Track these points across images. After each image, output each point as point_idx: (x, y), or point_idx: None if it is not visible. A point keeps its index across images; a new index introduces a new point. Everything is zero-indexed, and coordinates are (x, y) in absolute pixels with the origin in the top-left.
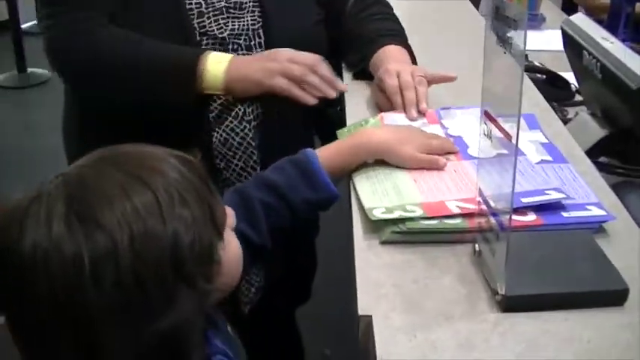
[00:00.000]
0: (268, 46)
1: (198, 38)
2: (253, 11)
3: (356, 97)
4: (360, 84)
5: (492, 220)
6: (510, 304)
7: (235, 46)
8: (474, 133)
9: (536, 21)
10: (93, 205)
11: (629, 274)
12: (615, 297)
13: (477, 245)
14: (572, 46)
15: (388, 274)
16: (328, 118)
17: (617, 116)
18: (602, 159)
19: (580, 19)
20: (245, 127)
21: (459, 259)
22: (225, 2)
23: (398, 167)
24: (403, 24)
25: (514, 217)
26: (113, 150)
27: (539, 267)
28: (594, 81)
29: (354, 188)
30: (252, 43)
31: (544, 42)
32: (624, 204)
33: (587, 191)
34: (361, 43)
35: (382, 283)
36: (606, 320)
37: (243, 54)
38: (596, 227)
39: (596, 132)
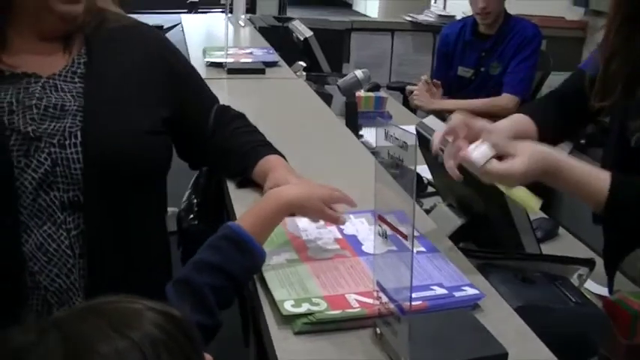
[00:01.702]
0: (84, 147)
1: (7, 133)
2: (75, 114)
3: (245, 205)
4: (245, 191)
5: (391, 305)
6: None
7: (47, 144)
8: (366, 233)
9: (383, 118)
10: None
11: (505, 340)
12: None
13: (377, 329)
14: (427, 144)
15: None
16: (187, 231)
17: (470, 205)
18: (461, 245)
19: (431, 120)
20: (62, 234)
21: (362, 342)
22: (45, 102)
23: (300, 261)
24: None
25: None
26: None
27: (433, 342)
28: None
29: (262, 280)
30: (67, 142)
31: None
32: (489, 282)
33: (459, 275)
34: (239, 154)
35: None
36: None
37: (56, 151)
38: (472, 305)
39: (454, 220)
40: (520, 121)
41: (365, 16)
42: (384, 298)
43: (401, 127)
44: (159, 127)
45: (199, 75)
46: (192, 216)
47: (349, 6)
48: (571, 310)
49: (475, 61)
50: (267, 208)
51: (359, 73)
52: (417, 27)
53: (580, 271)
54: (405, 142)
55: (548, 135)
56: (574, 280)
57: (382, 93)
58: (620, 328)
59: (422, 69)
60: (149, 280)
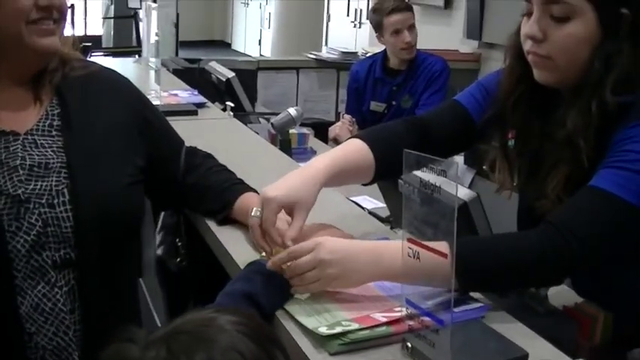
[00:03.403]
0: (73, 205)
1: None
2: (60, 171)
3: (234, 238)
4: (227, 228)
5: (427, 319)
6: None
7: (37, 205)
8: None
9: (307, 154)
10: None
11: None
12: None
13: (408, 343)
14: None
15: None
16: (169, 269)
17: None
18: None
19: None
20: (57, 292)
21: (395, 356)
22: (29, 161)
23: (322, 293)
24: None
25: (426, 319)
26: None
27: (463, 351)
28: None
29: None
30: (56, 201)
31: None
32: None
33: None
34: (216, 193)
35: None
36: None
37: (45, 212)
38: (483, 316)
39: None
40: (349, 158)
41: (246, 55)
42: (416, 315)
43: None
44: (137, 175)
45: (166, 119)
46: (179, 259)
47: (228, 45)
48: (543, 318)
49: (386, 95)
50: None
51: (292, 111)
52: (322, 64)
53: None
54: (444, 170)
55: (390, 167)
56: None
57: (304, 129)
58: (581, 331)
59: (327, 105)
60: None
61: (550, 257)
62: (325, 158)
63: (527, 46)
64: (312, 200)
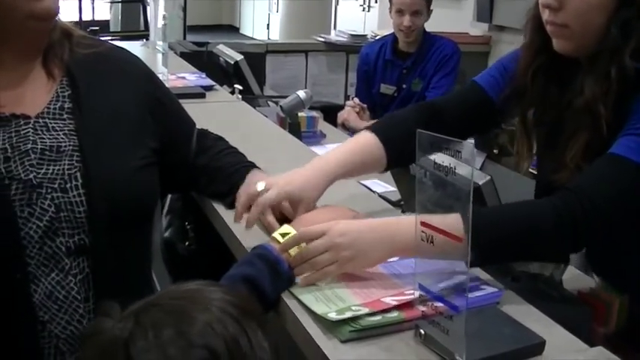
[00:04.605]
0: (86, 189)
1: (7, 182)
2: (72, 155)
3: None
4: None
5: (440, 304)
6: None
7: (49, 190)
8: None
9: (316, 137)
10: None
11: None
12: (538, 348)
13: (421, 330)
14: None
15: None
16: (178, 253)
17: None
18: None
19: None
20: (70, 280)
21: (407, 343)
22: (41, 145)
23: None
24: None
25: (439, 304)
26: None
27: (478, 337)
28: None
29: (295, 299)
30: (69, 185)
31: None
32: None
33: (474, 276)
34: (225, 175)
35: None
36: None
37: (58, 196)
38: (497, 302)
39: None
40: (360, 151)
41: (252, 38)
42: (429, 300)
43: None
44: (150, 158)
45: (177, 100)
46: (187, 242)
47: (236, 30)
48: (557, 303)
49: (396, 78)
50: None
51: (301, 93)
52: (331, 47)
53: (555, 267)
54: (458, 150)
55: (401, 155)
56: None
57: (313, 112)
58: (596, 318)
59: (336, 88)
60: None
61: (566, 221)
62: (337, 153)
63: (545, 15)
64: (316, 196)
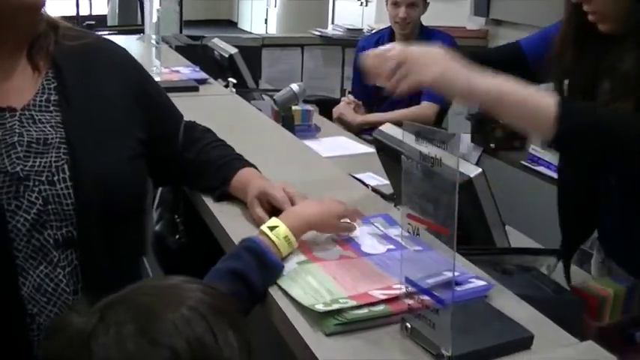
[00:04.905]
0: (73, 181)
1: None
2: (59, 147)
3: (231, 217)
4: (225, 204)
5: (426, 298)
6: None
7: (37, 182)
8: (363, 235)
9: (310, 131)
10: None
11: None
12: (526, 342)
13: (407, 324)
14: (387, 151)
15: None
16: (168, 246)
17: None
18: None
19: (389, 127)
20: (59, 273)
21: (393, 337)
22: (27, 137)
23: (310, 262)
24: None
25: (426, 298)
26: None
27: (463, 331)
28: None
29: (282, 291)
30: (56, 178)
31: (327, 148)
32: None
33: (463, 268)
34: (213, 168)
35: None
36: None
37: (46, 189)
38: (485, 295)
39: None
40: None
41: (251, 33)
42: (416, 293)
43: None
44: (138, 150)
45: (165, 92)
46: (177, 236)
47: (234, 24)
48: (549, 297)
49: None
50: (294, 229)
51: (295, 87)
52: (327, 41)
53: (548, 262)
54: (443, 141)
55: None
56: (543, 270)
57: (308, 106)
58: (589, 311)
59: (332, 82)
60: None
61: None
62: None
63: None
64: None
